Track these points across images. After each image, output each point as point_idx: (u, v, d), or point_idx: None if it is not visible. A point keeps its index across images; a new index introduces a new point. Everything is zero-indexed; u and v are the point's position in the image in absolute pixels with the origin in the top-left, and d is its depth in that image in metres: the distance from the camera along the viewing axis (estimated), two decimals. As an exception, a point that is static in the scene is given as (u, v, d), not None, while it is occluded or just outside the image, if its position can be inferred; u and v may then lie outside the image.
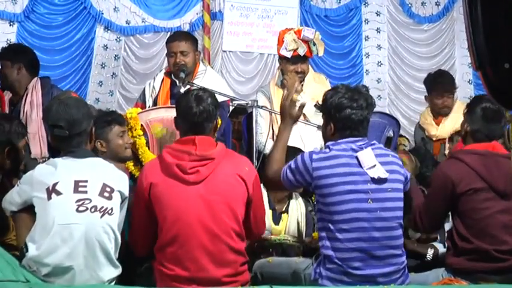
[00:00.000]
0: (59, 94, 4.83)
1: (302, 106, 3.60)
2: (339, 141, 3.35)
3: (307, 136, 4.82)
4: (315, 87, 4.93)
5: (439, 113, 5.62)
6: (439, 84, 5.58)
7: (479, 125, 3.69)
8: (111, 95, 6.94)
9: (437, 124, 5.63)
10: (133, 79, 6.99)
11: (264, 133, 4.79)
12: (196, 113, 3.31)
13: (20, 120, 3.92)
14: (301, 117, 4.76)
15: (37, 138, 4.81)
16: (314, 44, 4.98)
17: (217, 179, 3.29)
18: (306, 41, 4.93)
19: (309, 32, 4.94)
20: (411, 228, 3.97)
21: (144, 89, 5.24)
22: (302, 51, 4.93)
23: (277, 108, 4.94)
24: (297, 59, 4.96)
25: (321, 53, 5.04)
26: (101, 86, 6.90)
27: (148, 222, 3.33)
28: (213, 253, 3.25)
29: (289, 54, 4.94)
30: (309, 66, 5.07)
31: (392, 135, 5.02)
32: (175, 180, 3.27)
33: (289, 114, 3.57)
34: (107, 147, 3.79)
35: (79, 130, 3.28)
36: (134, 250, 3.44)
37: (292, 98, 3.57)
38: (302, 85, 4.89)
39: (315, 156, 3.33)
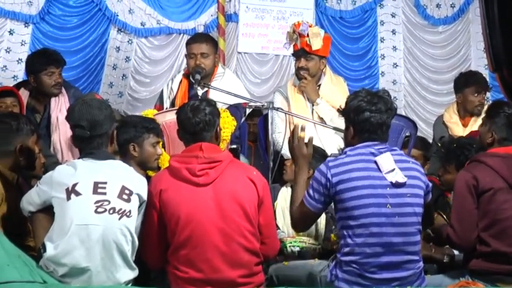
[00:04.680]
0: (82, 95, 4.80)
1: (310, 141, 3.55)
2: (357, 146, 3.34)
3: (326, 139, 4.80)
4: (331, 90, 4.90)
5: (472, 111, 5.33)
6: (475, 82, 5.33)
7: (507, 133, 3.68)
8: (120, 96, 6.98)
9: (464, 125, 5.37)
10: (143, 80, 7.02)
11: (281, 132, 4.77)
12: (193, 124, 3.37)
13: (27, 117, 3.88)
14: (319, 121, 4.78)
15: (69, 143, 4.68)
16: (308, 36, 4.86)
17: (226, 181, 3.31)
18: (304, 36, 4.83)
19: (304, 26, 4.84)
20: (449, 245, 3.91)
21: (162, 90, 5.23)
22: (299, 43, 4.87)
23: (294, 108, 4.92)
24: (297, 53, 4.92)
25: (315, 47, 4.82)
26: (111, 87, 6.93)
27: (161, 235, 3.33)
28: (226, 254, 3.25)
29: (290, 50, 4.91)
30: (322, 66, 4.96)
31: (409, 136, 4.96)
32: (185, 183, 3.29)
33: (301, 155, 3.53)
34: (139, 153, 3.79)
35: (100, 132, 3.29)
36: (148, 264, 3.42)
37: (299, 137, 3.53)
38: (304, 85, 4.87)
39: (331, 164, 3.31)
